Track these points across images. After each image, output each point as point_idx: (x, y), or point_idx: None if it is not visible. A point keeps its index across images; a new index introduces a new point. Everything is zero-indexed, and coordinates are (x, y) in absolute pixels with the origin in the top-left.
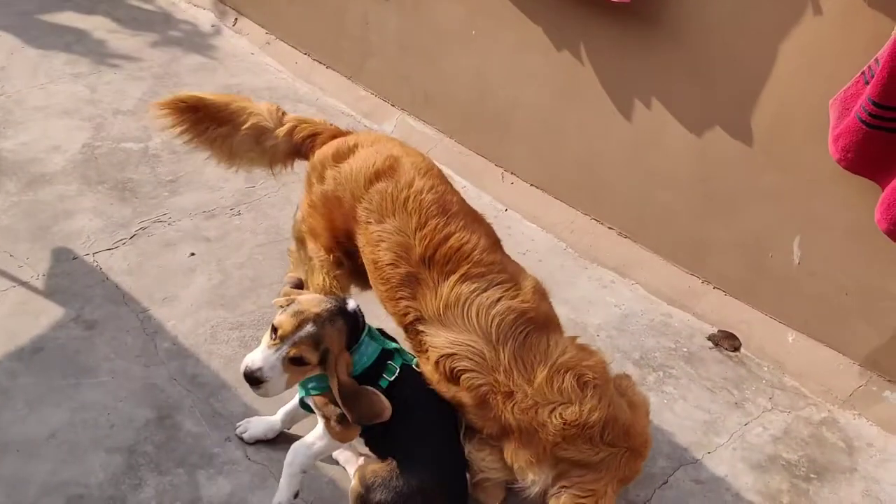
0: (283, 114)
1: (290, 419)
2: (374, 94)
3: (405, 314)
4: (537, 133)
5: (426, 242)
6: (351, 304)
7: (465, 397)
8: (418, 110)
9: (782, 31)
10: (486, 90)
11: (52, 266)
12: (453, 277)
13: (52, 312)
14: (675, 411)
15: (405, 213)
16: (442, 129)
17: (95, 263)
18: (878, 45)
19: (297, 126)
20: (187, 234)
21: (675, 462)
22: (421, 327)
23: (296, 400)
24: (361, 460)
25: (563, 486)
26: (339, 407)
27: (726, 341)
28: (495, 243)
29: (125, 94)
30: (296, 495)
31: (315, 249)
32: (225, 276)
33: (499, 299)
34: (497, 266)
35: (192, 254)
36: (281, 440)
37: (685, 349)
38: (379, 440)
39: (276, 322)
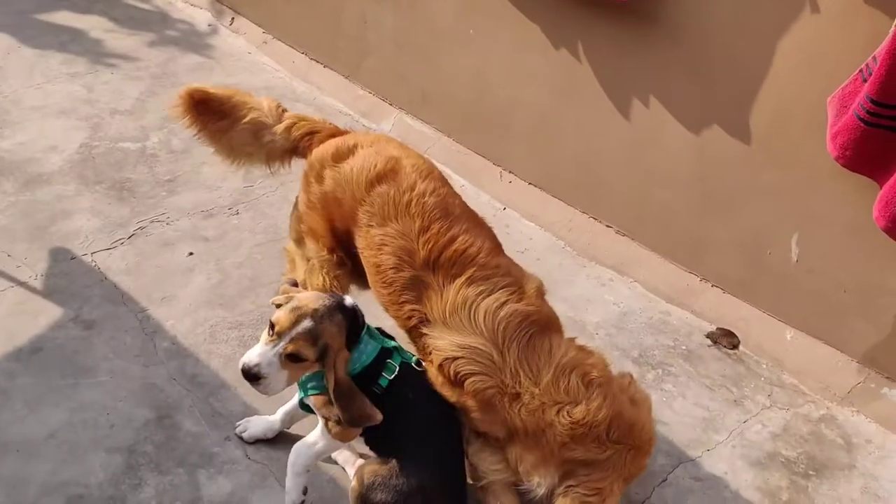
0: (284, 111)
1: (290, 418)
2: (371, 93)
3: (409, 317)
4: (535, 132)
5: (430, 246)
6: (349, 301)
7: (470, 401)
8: (416, 109)
9: (781, 29)
10: (484, 89)
11: (50, 266)
12: (459, 280)
13: (50, 312)
14: (674, 409)
15: (408, 216)
16: (440, 128)
17: (94, 263)
18: (876, 43)
19: (295, 123)
20: (185, 233)
21: (675, 459)
22: (425, 330)
23: (295, 399)
24: (360, 460)
25: (570, 486)
26: (333, 405)
27: (725, 339)
28: (497, 246)
29: (122, 94)
30: (305, 491)
31: (316, 249)
32: (224, 276)
33: (504, 302)
34: (502, 269)
35: (191, 253)
36: (280, 439)
37: (684, 347)
38: (379, 440)
39: (273, 318)
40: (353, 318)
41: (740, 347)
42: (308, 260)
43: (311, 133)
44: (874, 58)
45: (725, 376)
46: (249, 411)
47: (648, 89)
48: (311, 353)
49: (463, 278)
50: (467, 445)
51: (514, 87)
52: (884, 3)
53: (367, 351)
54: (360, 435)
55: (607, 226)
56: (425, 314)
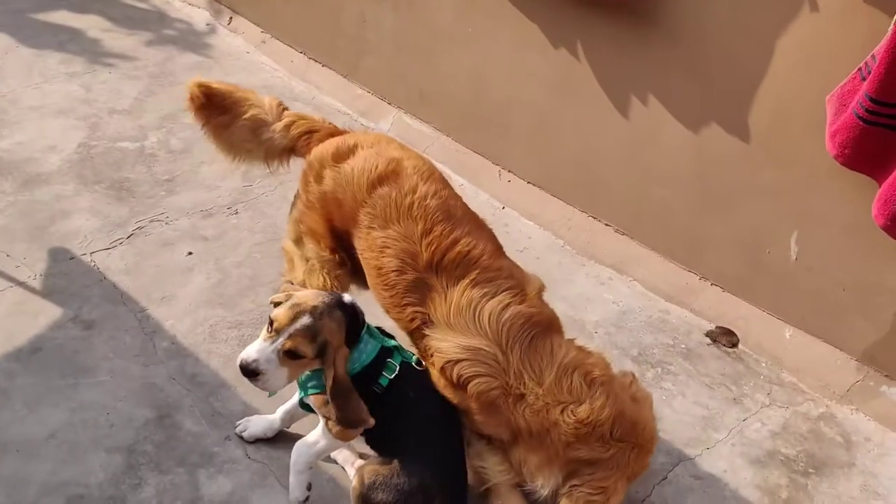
0: (284, 109)
1: (290, 417)
2: (370, 92)
3: (411, 319)
4: (534, 131)
5: (433, 248)
6: (348, 298)
7: (473, 403)
8: (414, 108)
9: (779, 27)
10: (482, 88)
11: (49, 266)
12: (463, 283)
13: (49, 312)
14: (673, 407)
15: (410, 219)
16: (438, 127)
17: (93, 263)
18: (874, 42)
19: (294, 122)
20: (185, 233)
21: (674, 458)
22: (427, 332)
23: (295, 398)
24: (359, 460)
25: (574, 486)
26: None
27: (724, 337)
28: (499, 248)
29: (120, 94)
30: (309, 487)
31: (316, 249)
32: (223, 275)
33: (508, 304)
34: (505, 272)
35: (190, 253)
36: (280, 438)
37: (683, 345)
38: (380, 439)
39: (272, 315)
40: (353, 316)
41: (739, 346)
42: (307, 260)
43: (310, 132)
44: (873, 56)
45: (725, 375)
46: (249, 411)
47: (647, 88)
48: (309, 350)
49: (467, 280)
50: (469, 448)
51: (513, 86)
52: (882, 2)
53: (368, 350)
54: (361, 434)
55: (606, 224)
56: (428, 316)
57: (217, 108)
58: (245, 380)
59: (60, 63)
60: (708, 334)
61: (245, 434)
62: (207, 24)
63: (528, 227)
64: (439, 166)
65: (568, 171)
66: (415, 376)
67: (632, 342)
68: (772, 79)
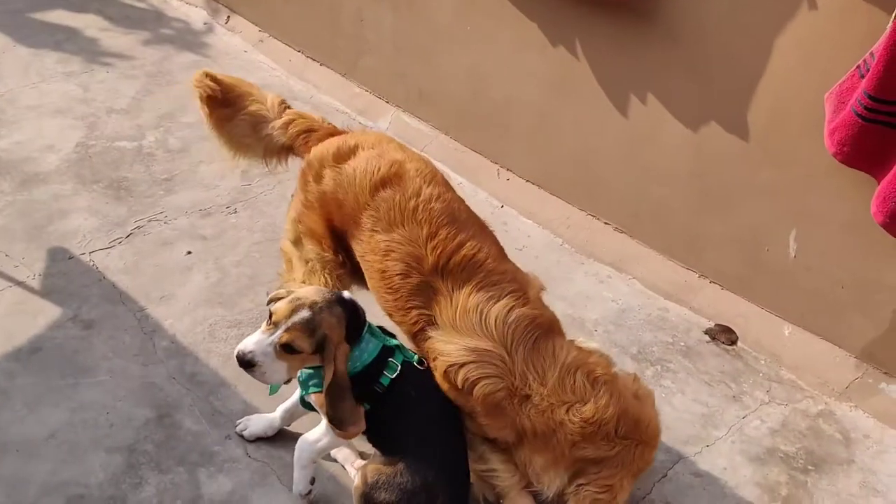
0: (286, 107)
1: (290, 416)
2: (368, 91)
3: (415, 322)
4: (533, 129)
5: (439, 252)
6: (348, 296)
7: (479, 406)
8: (413, 107)
9: (778, 26)
10: (481, 87)
11: (48, 266)
12: (469, 286)
13: (49, 312)
14: (673, 405)
15: (415, 222)
16: (437, 126)
17: (92, 263)
18: (873, 39)
19: (293, 120)
20: (183, 232)
21: (674, 455)
22: (431, 334)
23: (295, 397)
24: (360, 460)
25: (581, 484)
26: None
27: (723, 335)
28: (501, 251)
29: (118, 93)
30: (312, 481)
31: (316, 250)
32: (222, 274)
33: (512, 307)
34: (508, 275)
35: (189, 252)
36: (281, 437)
37: (682, 343)
38: (382, 438)
39: (272, 308)
40: (354, 312)
41: (738, 343)
42: (308, 262)
43: (308, 131)
44: (871, 54)
45: (724, 372)
46: (249, 409)
47: (646, 87)
48: (306, 345)
49: (472, 283)
50: (472, 452)
51: (511, 85)
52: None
53: (369, 349)
54: (363, 433)
55: (605, 223)
56: (432, 318)
57: (221, 101)
58: (245, 378)
59: (58, 62)
60: (707, 332)
61: (245, 433)
62: (205, 23)
63: (526, 225)
64: (438, 165)
65: (567, 169)
66: (416, 376)
67: (631, 340)
68: (770, 77)
